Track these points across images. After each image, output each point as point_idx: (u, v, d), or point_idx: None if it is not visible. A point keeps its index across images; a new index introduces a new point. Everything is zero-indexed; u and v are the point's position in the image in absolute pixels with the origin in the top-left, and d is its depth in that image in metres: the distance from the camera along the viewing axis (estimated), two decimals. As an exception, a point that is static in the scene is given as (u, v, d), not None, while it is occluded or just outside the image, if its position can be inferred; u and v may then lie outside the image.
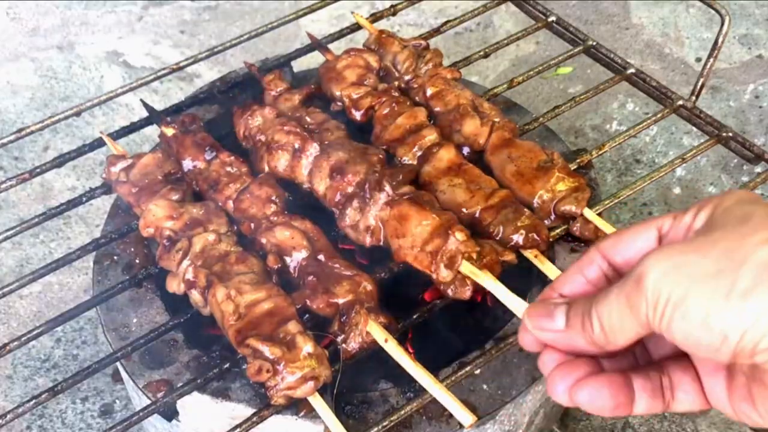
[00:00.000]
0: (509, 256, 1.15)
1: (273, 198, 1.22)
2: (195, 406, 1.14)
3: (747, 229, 0.51)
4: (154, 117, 1.42)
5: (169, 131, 1.35)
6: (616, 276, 0.62)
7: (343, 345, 1.06)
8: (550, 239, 1.20)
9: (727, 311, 0.49)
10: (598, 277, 0.62)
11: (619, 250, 0.61)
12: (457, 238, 1.09)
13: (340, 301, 1.08)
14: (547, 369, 0.61)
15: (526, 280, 1.30)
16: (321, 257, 1.15)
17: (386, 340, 1.03)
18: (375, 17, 1.58)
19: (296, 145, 1.28)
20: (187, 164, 1.30)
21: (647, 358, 0.64)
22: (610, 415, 0.59)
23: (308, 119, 1.37)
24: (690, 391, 0.60)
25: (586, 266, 0.62)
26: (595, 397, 0.59)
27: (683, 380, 0.61)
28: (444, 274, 1.09)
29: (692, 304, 0.50)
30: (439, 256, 1.10)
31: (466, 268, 1.08)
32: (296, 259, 1.15)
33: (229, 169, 1.28)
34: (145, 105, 1.45)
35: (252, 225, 1.20)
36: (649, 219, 0.60)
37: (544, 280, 1.27)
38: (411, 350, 1.34)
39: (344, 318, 1.06)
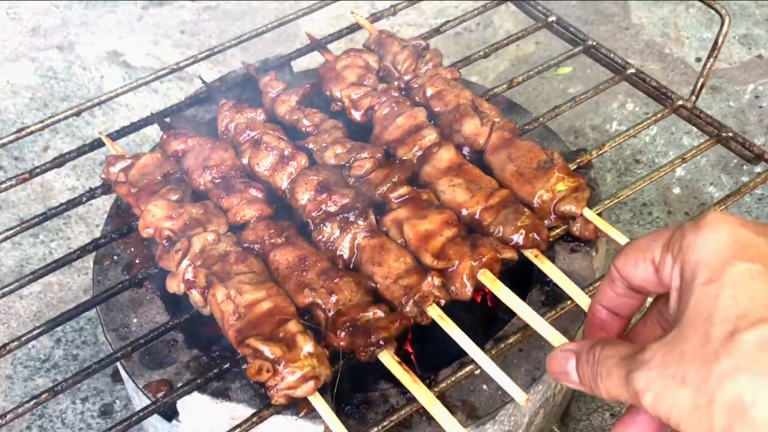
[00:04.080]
0: (509, 254, 1.15)
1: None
2: (195, 406, 1.14)
3: (711, 348, 0.54)
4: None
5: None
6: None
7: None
8: (550, 239, 1.20)
9: None
10: (623, 290, 0.67)
11: (628, 273, 0.65)
12: (434, 282, 1.10)
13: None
14: None
15: (526, 280, 1.31)
16: None
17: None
18: (375, 17, 1.58)
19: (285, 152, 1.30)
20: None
21: None
22: None
23: (305, 121, 1.37)
24: None
25: (611, 282, 0.67)
26: None
27: None
28: (411, 310, 1.10)
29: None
30: (412, 292, 1.10)
31: (433, 311, 1.09)
32: None
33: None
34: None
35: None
36: (648, 243, 0.62)
37: (543, 280, 1.27)
38: (411, 350, 1.34)
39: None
